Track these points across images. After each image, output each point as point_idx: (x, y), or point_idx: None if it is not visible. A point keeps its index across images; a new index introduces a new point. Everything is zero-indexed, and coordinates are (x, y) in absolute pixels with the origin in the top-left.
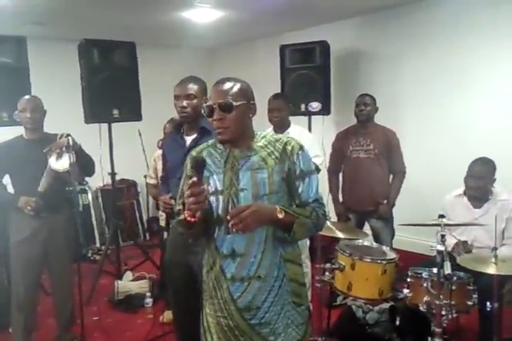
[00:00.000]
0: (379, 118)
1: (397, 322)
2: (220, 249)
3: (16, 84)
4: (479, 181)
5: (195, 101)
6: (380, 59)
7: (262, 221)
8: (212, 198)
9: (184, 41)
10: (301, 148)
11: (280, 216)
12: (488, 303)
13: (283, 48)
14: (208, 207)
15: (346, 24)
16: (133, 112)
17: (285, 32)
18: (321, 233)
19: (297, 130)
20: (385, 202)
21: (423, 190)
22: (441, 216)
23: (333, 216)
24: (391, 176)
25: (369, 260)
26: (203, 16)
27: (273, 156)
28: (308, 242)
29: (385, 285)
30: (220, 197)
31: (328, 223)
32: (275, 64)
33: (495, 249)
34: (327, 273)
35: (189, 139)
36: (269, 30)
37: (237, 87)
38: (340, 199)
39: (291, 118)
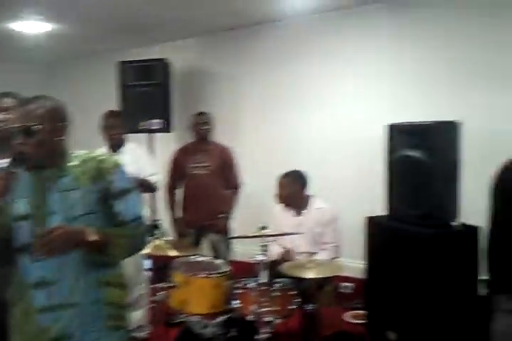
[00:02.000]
0: (219, 135)
1: (232, 334)
2: (27, 278)
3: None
4: (283, 190)
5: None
6: (221, 78)
7: (71, 244)
8: (17, 224)
9: (16, 55)
10: (118, 165)
11: (92, 238)
12: (308, 305)
13: (122, 64)
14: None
15: (188, 43)
16: None
17: (125, 49)
18: (156, 253)
19: (131, 148)
20: (222, 215)
21: (260, 202)
22: (263, 227)
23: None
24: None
25: (202, 275)
26: (32, 28)
27: (87, 175)
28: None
29: (219, 299)
30: (26, 223)
31: (162, 242)
32: (113, 81)
33: (312, 254)
34: (163, 292)
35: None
36: (108, 46)
37: (43, 108)
38: (180, 215)
39: (131, 135)
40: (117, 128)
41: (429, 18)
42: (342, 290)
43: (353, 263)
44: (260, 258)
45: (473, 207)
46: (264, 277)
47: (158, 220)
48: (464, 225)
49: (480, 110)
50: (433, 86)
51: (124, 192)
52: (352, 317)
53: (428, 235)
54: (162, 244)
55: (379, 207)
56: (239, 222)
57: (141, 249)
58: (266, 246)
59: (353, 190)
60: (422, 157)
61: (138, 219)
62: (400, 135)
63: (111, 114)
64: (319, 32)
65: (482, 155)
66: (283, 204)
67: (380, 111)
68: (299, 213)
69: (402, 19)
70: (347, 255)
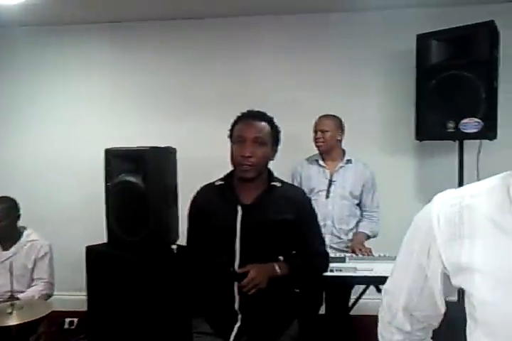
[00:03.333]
0: None
1: None
2: None
3: None
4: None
5: None
6: None
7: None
8: None
9: None
10: None
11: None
12: None
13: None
14: None
15: None
16: None
17: None
18: None
19: None
20: None
21: None
22: None
23: None
24: None
25: None
26: None
27: None
28: None
29: None
30: None
31: None
32: None
33: (12, 296)
34: None
35: None
36: None
37: None
38: None
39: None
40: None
41: (151, 44)
42: (66, 326)
43: (77, 296)
44: None
45: None
46: None
47: None
48: (181, 247)
49: (194, 136)
50: (150, 111)
51: None
52: None
53: (147, 260)
54: None
55: (101, 234)
56: None
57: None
58: None
59: (74, 218)
60: (138, 182)
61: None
62: (117, 160)
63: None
64: (37, 46)
65: (197, 179)
66: None
67: (100, 134)
68: (7, 247)
69: (124, 41)
70: (70, 288)
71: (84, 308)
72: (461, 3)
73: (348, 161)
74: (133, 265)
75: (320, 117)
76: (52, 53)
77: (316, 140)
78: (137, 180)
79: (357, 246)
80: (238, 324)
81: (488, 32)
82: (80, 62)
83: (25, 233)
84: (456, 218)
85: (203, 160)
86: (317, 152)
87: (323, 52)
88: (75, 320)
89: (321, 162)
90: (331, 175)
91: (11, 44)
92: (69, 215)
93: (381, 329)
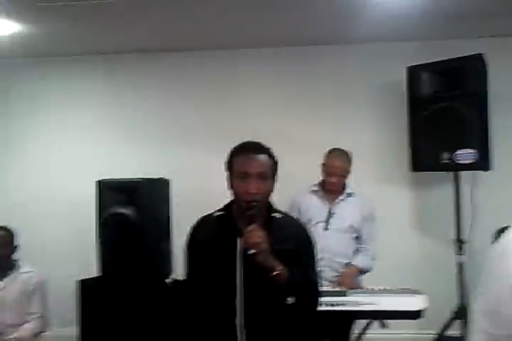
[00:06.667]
0: None
1: None
2: None
3: None
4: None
5: None
6: None
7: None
8: None
9: None
10: None
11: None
12: None
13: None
14: None
15: None
16: None
17: None
18: None
19: None
20: None
21: None
22: None
23: None
24: None
25: None
26: None
27: None
28: None
29: None
30: None
31: None
32: None
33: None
34: None
35: None
36: None
37: None
38: None
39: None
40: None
41: (141, 71)
42: None
43: (67, 332)
44: None
45: None
46: None
47: None
48: (177, 281)
49: (188, 167)
50: (145, 142)
51: None
52: None
53: (142, 294)
54: None
55: (93, 267)
56: None
57: None
58: None
59: (65, 250)
60: (131, 214)
61: None
62: (110, 191)
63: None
64: (25, 77)
65: (191, 211)
66: None
67: (93, 166)
68: (0, 277)
69: (116, 72)
70: (61, 322)
71: None
72: (450, 37)
73: (349, 194)
74: (128, 299)
75: (333, 157)
76: (39, 85)
77: (328, 183)
78: (130, 211)
79: (345, 280)
80: None
81: (478, 64)
82: (70, 93)
83: (18, 264)
84: None
85: (196, 191)
86: (313, 183)
87: (314, 84)
88: None
89: (321, 193)
90: (331, 207)
91: (3, 75)
92: (58, 248)
93: None
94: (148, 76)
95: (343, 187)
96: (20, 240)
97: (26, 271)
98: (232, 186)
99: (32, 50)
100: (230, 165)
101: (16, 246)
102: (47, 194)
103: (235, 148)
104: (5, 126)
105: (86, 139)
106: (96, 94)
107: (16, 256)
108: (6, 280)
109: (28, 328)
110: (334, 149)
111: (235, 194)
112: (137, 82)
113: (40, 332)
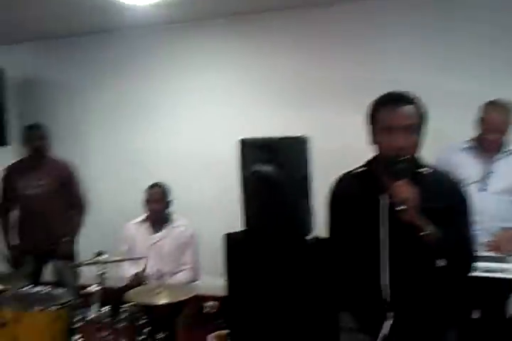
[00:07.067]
0: (61, 151)
1: None
2: None
3: None
4: (155, 205)
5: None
6: (58, 87)
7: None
8: None
9: None
10: None
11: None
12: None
13: None
14: None
15: (22, 48)
16: None
17: None
18: None
19: None
20: (66, 239)
21: (113, 221)
22: (99, 253)
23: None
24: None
25: (37, 309)
26: None
27: None
28: None
29: (60, 334)
30: None
31: None
32: None
33: (160, 277)
34: None
35: None
36: None
37: None
38: (16, 241)
39: None
40: None
41: (277, 30)
42: (208, 310)
43: (217, 281)
44: (93, 288)
45: None
46: (95, 309)
47: None
48: (318, 238)
49: (327, 125)
50: (284, 101)
51: None
52: (215, 338)
53: (285, 250)
54: None
55: (237, 222)
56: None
57: None
58: (103, 274)
59: (211, 206)
60: (273, 172)
61: None
62: (252, 150)
63: None
64: (167, 42)
65: (331, 169)
66: (146, 222)
67: (234, 125)
68: (157, 230)
69: (249, 32)
70: (209, 273)
71: (224, 294)
72: None
73: (510, 152)
74: (271, 254)
75: (492, 111)
76: (180, 49)
77: (485, 139)
78: (271, 169)
79: (503, 244)
80: (390, 322)
81: None
82: (208, 57)
83: (172, 218)
84: None
85: (335, 150)
86: (465, 140)
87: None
88: (214, 304)
89: (476, 151)
90: (488, 166)
91: (143, 43)
92: (207, 203)
93: None
94: (281, 34)
95: (502, 144)
96: (173, 196)
97: (180, 224)
98: (375, 141)
99: (174, 16)
100: (373, 118)
101: (169, 201)
102: (195, 153)
103: (378, 99)
104: (154, 90)
105: (228, 101)
106: (235, 56)
107: (169, 210)
108: (161, 232)
109: (181, 277)
110: (492, 102)
111: (379, 149)
112: (275, 41)
113: (192, 282)
